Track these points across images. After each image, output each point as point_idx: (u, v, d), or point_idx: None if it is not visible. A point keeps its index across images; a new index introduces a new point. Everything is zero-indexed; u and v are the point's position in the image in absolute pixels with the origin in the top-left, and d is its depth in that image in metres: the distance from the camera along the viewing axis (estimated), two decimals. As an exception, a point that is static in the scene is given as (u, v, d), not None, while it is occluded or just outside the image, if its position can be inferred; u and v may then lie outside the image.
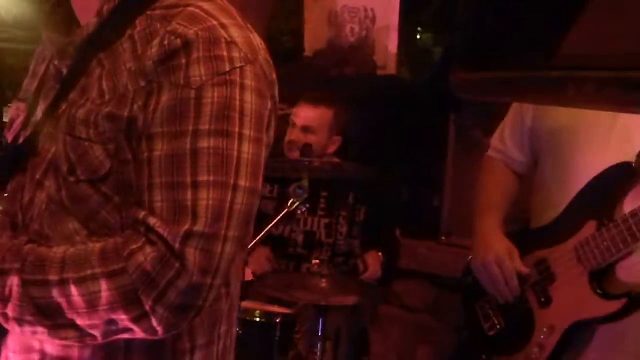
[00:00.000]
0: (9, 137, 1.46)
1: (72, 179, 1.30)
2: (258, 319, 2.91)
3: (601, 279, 2.22)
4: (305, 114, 3.37)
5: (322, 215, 3.36)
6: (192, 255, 1.21)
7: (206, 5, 1.29)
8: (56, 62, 1.41)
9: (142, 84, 1.26)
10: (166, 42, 1.25)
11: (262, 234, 2.75)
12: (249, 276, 3.08)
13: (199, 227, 1.21)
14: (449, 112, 4.36)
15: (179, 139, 1.23)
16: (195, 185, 1.22)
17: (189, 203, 1.22)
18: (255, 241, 2.73)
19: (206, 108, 1.23)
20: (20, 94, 1.52)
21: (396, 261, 3.53)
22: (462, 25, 0.83)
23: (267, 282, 2.97)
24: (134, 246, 1.22)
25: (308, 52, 4.87)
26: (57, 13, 1.44)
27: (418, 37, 5.53)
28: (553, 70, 0.73)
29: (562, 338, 2.28)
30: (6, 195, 1.43)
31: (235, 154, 1.24)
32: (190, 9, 1.28)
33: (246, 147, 1.25)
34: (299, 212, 2.89)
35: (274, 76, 1.35)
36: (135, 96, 1.26)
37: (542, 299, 2.36)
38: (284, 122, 4.42)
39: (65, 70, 1.37)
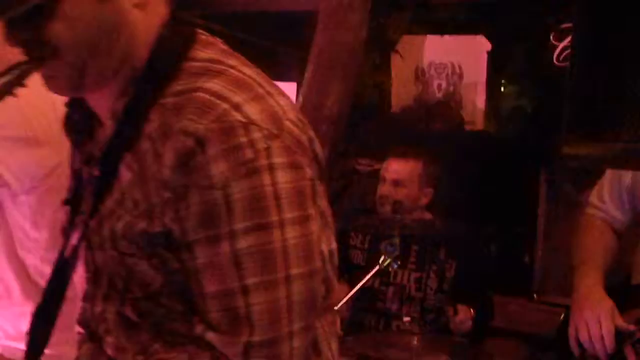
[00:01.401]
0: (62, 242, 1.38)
1: (129, 296, 1.24)
2: (348, 377, 2.89)
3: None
4: (395, 168, 3.39)
5: (412, 268, 3.35)
6: None
7: (215, 85, 1.17)
8: (86, 166, 1.34)
9: (167, 195, 1.16)
10: (179, 145, 1.14)
11: (354, 290, 2.75)
12: (338, 331, 3.07)
13: (257, 337, 1.15)
14: (539, 167, 4.31)
15: (216, 243, 1.15)
16: (245, 291, 1.15)
17: (242, 311, 1.15)
18: (347, 298, 2.74)
19: (237, 205, 1.13)
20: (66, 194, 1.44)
21: (488, 319, 3.48)
22: (572, 94, 0.82)
23: (358, 339, 2.96)
24: None
25: (395, 107, 4.91)
26: (72, 122, 1.37)
27: (502, 89, 5.51)
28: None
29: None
30: (81, 307, 1.39)
31: (279, 245, 1.15)
32: (199, 94, 1.16)
33: (290, 233, 1.16)
34: (390, 269, 2.88)
35: (310, 133, 1.25)
36: (163, 209, 1.17)
37: (642, 359, 2.31)
38: (372, 178, 4.45)
39: (97, 174, 1.28)
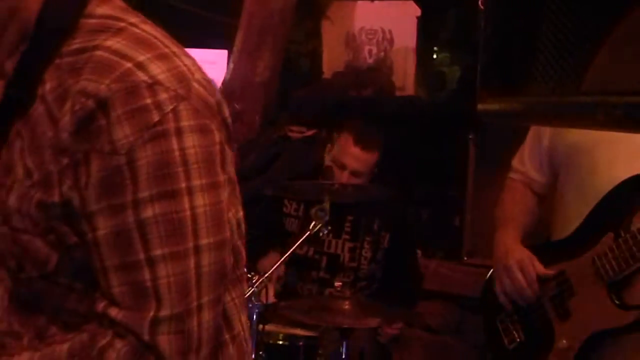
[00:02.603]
0: None
1: (22, 276, 1.14)
2: (281, 342, 2.90)
3: (619, 290, 2.25)
4: (357, 158, 3.30)
5: (347, 239, 3.36)
6: (165, 342, 1.08)
7: (116, 42, 1.09)
8: None
9: (65, 161, 1.07)
10: (77, 107, 1.05)
11: (286, 255, 2.75)
12: (271, 298, 3.07)
13: (165, 311, 1.08)
14: (468, 131, 4.36)
15: (120, 212, 1.06)
16: (151, 262, 1.07)
17: (149, 284, 1.07)
18: (279, 262, 2.74)
19: (142, 172, 1.05)
20: None
21: (419, 285, 3.53)
22: (485, 47, 0.81)
23: (290, 305, 2.97)
24: (103, 342, 1.09)
25: (326, 74, 4.90)
26: None
27: (434, 56, 5.54)
28: (582, 96, 0.72)
29: (581, 350, 2.30)
30: None
31: (188, 213, 1.08)
32: (98, 52, 1.08)
33: (200, 200, 1.08)
34: (321, 234, 2.88)
35: (217, 96, 1.16)
36: (61, 176, 1.08)
37: (561, 311, 2.39)
38: (304, 144, 4.44)
39: None
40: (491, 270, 2.64)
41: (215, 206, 1.11)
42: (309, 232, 2.79)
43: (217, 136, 1.12)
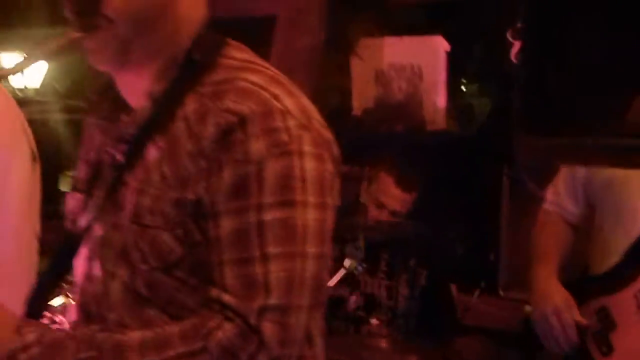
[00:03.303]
0: (68, 227, 1.47)
1: (144, 267, 1.31)
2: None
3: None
4: (396, 199, 3.30)
5: (382, 277, 3.35)
6: (269, 329, 1.22)
7: (255, 78, 1.30)
8: (109, 149, 1.41)
9: (203, 164, 1.26)
10: (222, 121, 1.26)
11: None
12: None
13: (272, 300, 1.23)
14: (501, 164, 4.34)
15: (243, 213, 1.24)
16: (264, 259, 1.23)
17: (260, 277, 1.23)
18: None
19: (268, 181, 1.24)
20: (74, 183, 1.52)
21: (455, 321, 3.51)
22: (521, 84, 0.82)
23: (330, 343, 2.96)
24: (212, 324, 1.23)
25: (356, 110, 4.91)
26: (104, 100, 1.46)
27: (463, 89, 5.54)
28: (624, 137, 0.72)
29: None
30: (75, 287, 1.45)
31: (300, 222, 1.25)
32: (241, 83, 1.29)
33: (311, 214, 1.26)
34: (356, 272, 2.88)
35: (330, 136, 1.35)
36: (198, 177, 1.27)
37: (604, 348, 2.35)
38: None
39: (120, 156, 1.38)
40: (529, 307, 2.61)
41: (322, 222, 1.28)
42: (344, 270, 2.78)
43: (329, 166, 1.31)
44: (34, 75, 6.00)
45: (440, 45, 4.77)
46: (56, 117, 6.27)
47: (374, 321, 2.89)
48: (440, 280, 3.41)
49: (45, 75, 6.27)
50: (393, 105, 4.77)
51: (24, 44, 5.52)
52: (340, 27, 4.88)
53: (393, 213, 3.24)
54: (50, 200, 2.09)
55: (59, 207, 2.04)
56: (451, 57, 4.82)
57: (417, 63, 4.74)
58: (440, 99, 4.73)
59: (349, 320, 3.35)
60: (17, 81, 5.81)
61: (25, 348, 1.28)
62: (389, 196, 3.25)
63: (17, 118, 1.98)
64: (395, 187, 3.24)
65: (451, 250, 4.26)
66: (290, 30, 4.63)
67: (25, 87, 6.07)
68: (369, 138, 4.73)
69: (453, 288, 3.64)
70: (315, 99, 1.37)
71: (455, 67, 4.92)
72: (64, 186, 6.50)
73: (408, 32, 4.89)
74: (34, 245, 2.00)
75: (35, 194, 2.01)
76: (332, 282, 2.81)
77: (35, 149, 2.01)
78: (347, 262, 2.80)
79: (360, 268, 2.86)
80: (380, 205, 3.24)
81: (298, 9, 4.62)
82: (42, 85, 6.16)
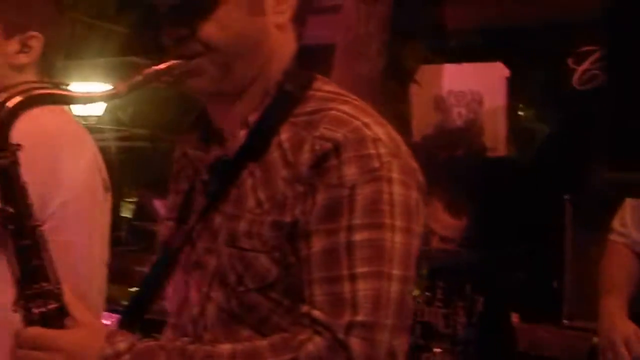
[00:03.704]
0: (161, 253, 1.51)
1: (240, 289, 1.35)
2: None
3: None
4: (445, 226, 3.29)
5: (439, 305, 3.33)
6: (356, 344, 1.25)
7: (346, 108, 1.35)
8: (203, 177, 1.46)
9: (300, 189, 1.31)
10: (317, 147, 1.31)
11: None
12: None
13: (359, 317, 1.26)
14: (563, 191, 4.28)
15: (334, 234, 1.29)
16: (352, 278, 1.27)
17: (348, 295, 1.27)
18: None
19: (358, 204, 1.28)
20: (167, 212, 1.57)
21: (515, 349, 3.46)
22: (604, 121, 0.81)
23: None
24: (302, 337, 1.27)
25: (416, 137, 4.91)
26: (195, 131, 1.51)
27: (521, 114, 5.50)
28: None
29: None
30: (173, 311, 1.49)
31: (388, 244, 1.29)
32: (333, 112, 1.34)
33: (398, 237, 1.29)
34: (417, 302, 2.86)
35: (415, 165, 1.39)
36: (295, 202, 1.32)
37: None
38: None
39: (213, 184, 1.43)
40: (596, 338, 2.59)
41: (408, 246, 1.31)
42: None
43: (415, 194, 1.35)
44: (98, 103, 6.13)
45: (500, 71, 4.75)
46: (118, 145, 6.38)
47: (436, 350, 2.87)
48: (500, 307, 3.37)
49: (109, 103, 6.39)
50: (453, 132, 4.76)
51: (95, 73, 5.65)
52: (399, 55, 4.89)
53: (443, 239, 3.22)
54: (112, 227, 2.13)
55: (121, 234, 2.08)
56: (511, 82, 4.80)
57: (477, 89, 4.73)
58: (501, 126, 4.71)
59: (409, 349, 3.33)
60: (79, 109, 5.91)
61: (117, 356, 1.31)
62: (438, 222, 3.24)
63: (92, 148, 2.02)
64: (444, 213, 3.23)
65: (512, 277, 4.20)
66: (349, 58, 4.66)
67: (88, 115, 6.20)
68: (430, 164, 4.70)
69: (515, 316, 3.59)
70: None
71: (515, 92, 4.89)
72: (126, 213, 6.61)
73: (467, 58, 4.88)
74: (104, 272, 2.03)
75: (106, 223, 2.04)
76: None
77: (107, 179, 2.05)
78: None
79: (422, 297, 2.84)
80: (430, 232, 3.23)
81: (357, 37, 4.65)
82: (105, 113, 6.28)
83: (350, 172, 1.29)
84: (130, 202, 6.40)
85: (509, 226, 4.42)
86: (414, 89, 4.95)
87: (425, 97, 4.91)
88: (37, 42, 1.96)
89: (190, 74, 1.37)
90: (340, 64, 4.62)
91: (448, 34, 5.05)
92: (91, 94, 1.38)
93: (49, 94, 1.35)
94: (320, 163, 1.30)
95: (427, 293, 2.83)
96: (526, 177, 4.51)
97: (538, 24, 5.03)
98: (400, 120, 5.10)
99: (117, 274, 2.10)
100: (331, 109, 1.35)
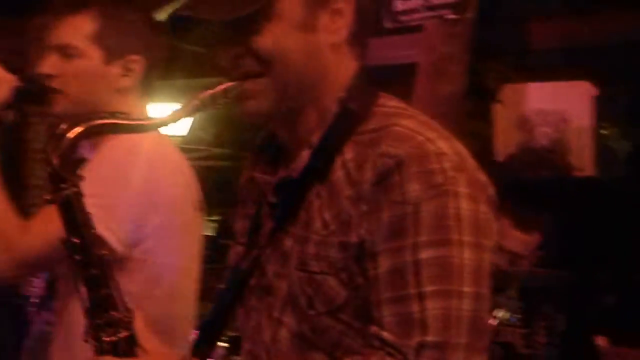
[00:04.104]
0: (231, 279, 1.51)
1: (311, 313, 1.33)
2: None
3: None
4: (516, 241, 3.26)
5: (518, 325, 3.27)
6: None
7: (409, 123, 1.32)
8: (271, 200, 1.45)
9: (364, 207, 1.29)
10: (379, 164, 1.28)
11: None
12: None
13: (430, 338, 1.23)
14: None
15: (400, 253, 1.25)
16: (421, 297, 1.24)
17: (417, 315, 1.24)
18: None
19: (424, 221, 1.25)
20: (234, 237, 1.56)
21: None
22: None
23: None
24: (374, 358, 1.25)
25: (499, 156, 4.86)
26: (264, 154, 1.49)
27: (610, 134, 5.40)
28: None
29: None
30: (246, 337, 1.48)
31: (456, 260, 1.25)
32: (396, 128, 1.31)
33: (467, 254, 1.25)
34: (508, 323, 2.82)
35: (484, 178, 1.35)
36: (359, 220, 1.29)
37: None
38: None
39: (281, 207, 1.41)
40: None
41: (478, 262, 1.27)
42: (498, 320, 2.74)
43: (484, 207, 1.30)
44: (181, 123, 6.25)
45: (586, 90, 4.68)
46: (202, 165, 6.49)
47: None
48: (584, 329, 3.30)
49: (192, 123, 6.51)
50: (538, 151, 4.70)
51: (173, 94, 5.76)
52: (481, 74, 4.86)
53: (513, 255, 3.18)
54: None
55: (206, 253, 2.11)
56: (598, 102, 4.72)
57: (563, 108, 4.66)
58: (588, 145, 4.63)
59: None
60: (164, 130, 6.00)
61: None
62: (507, 238, 3.20)
63: (186, 169, 2.06)
64: (514, 229, 3.19)
65: (601, 299, 4.12)
66: (431, 77, 4.64)
67: (173, 135, 6.32)
68: (514, 184, 4.65)
69: (604, 339, 3.51)
70: None
71: (602, 112, 4.81)
72: (208, 231, 6.71)
73: (551, 77, 4.82)
74: (196, 290, 2.06)
75: (198, 242, 2.07)
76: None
77: (198, 199, 2.08)
78: (498, 313, 2.75)
79: (513, 319, 2.80)
80: (499, 248, 3.18)
81: (440, 56, 4.63)
82: (189, 133, 6.39)
83: (413, 188, 1.25)
84: (213, 220, 6.49)
85: (599, 247, 4.33)
86: (497, 108, 4.91)
87: (509, 116, 4.86)
88: (138, 65, 2.02)
89: (245, 95, 1.36)
90: (422, 84, 4.61)
91: (531, 53, 4.99)
92: (148, 121, 1.38)
93: (107, 123, 1.34)
94: (382, 180, 1.27)
95: (518, 315, 2.79)
96: (615, 197, 4.41)
97: (623, 41, 4.95)
98: (483, 140, 5.06)
99: (204, 292, 2.13)
100: (394, 124, 1.32)
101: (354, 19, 1.38)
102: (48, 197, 1.32)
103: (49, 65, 1.98)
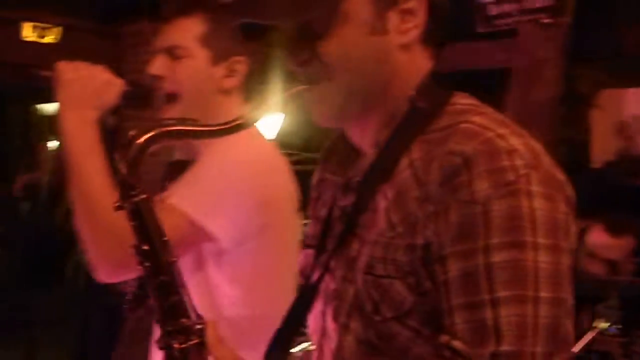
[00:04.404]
0: (301, 282, 1.48)
1: (377, 318, 1.28)
2: None
3: None
4: (607, 246, 3.18)
5: (616, 334, 3.19)
6: None
7: (479, 119, 1.25)
8: (340, 203, 1.41)
9: (431, 208, 1.22)
10: (446, 163, 1.21)
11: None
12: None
13: (504, 347, 1.16)
14: None
15: (470, 256, 1.19)
16: (494, 303, 1.17)
17: (490, 322, 1.17)
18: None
19: (495, 221, 1.17)
20: (306, 239, 1.54)
21: None
22: None
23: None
24: None
25: (595, 163, 4.75)
26: (334, 155, 1.47)
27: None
28: None
29: None
30: (313, 342, 1.46)
31: (531, 264, 1.17)
32: (464, 125, 1.25)
33: (542, 257, 1.18)
34: (608, 334, 2.75)
35: (562, 176, 1.27)
36: (426, 222, 1.23)
37: None
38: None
39: (349, 208, 1.37)
40: None
41: (555, 265, 1.19)
42: (597, 330, 2.67)
43: (562, 207, 1.22)
44: (269, 127, 6.30)
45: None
46: (292, 169, 6.51)
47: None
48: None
49: (281, 127, 6.57)
50: (637, 158, 4.57)
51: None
52: (577, 79, 4.76)
53: (610, 264, 3.09)
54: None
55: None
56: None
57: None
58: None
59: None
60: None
61: None
62: (599, 244, 3.12)
63: (287, 172, 2.09)
64: (604, 234, 3.10)
65: None
66: (525, 82, 4.57)
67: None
68: (611, 191, 4.54)
69: None
70: (550, 152, 1.32)
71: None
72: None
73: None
74: (292, 290, 2.08)
75: (297, 243, 2.09)
76: (580, 345, 2.70)
77: (298, 201, 2.09)
78: (598, 323, 2.68)
79: (613, 329, 2.73)
80: (590, 254, 3.11)
81: (534, 61, 4.56)
82: (278, 137, 6.45)
83: (482, 187, 1.18)
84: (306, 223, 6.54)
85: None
86: (594, 114, 4.80)
87: (606, 122, 4.74)
88: (242, 66, 2.05)
89: (315, 99, 1.32)
90: (515, 89, 4.54)
91: (629, 58, 4.86)
92: (218, 127, 1.35)
93: (175, 130, 1.33)
94: (450, 180, 1.20)
95: (619, 326, 2.71)
96: None
97: None
98: (579, 146, 4.96)
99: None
100: (463, 121, 1.25)
101: (427, 18, 1.33)
102: (117, 203, 1.31)
103: (158, 66, 2.03)
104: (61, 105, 1.94)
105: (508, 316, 1.16)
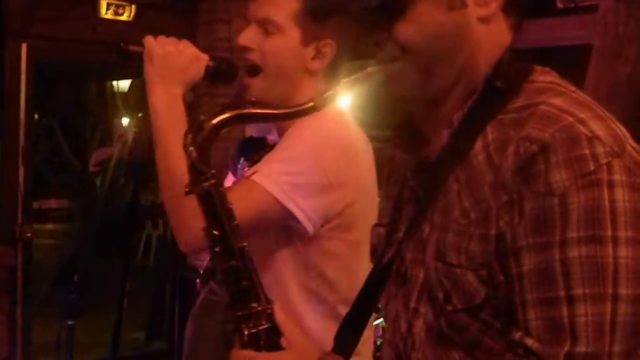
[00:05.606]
0: (374, 261, 1.47)
1: (449, 308, 1.25)
2: None
3: None
4: None
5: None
6: None
7: (558, 101, 1.20)
8: (411, 183, 1.38)
9: (504, 198, 1.18)
10: (522, 150, 1.17)
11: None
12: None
13: (580, 348, 1.12)
14: None
15: (546, 250, 1.14)
16: (570, 300, 1.13)
17: (566, 320, 1.13)
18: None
19: (572, 214, 1.12)
20: (379, 218, 1.55)
21: None
22: None
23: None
24: None
25: (680, 144, 4.60)
26: (404, 133, 1.42)
27: None
28: None
29: None
30: (387, 328, 1.44)
31: (611, 260, 1.12)
32: (542, 107, 1.19)
33: (623, 251, 1.12)
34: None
35: None
36: (499, 212, 1.18)
37: None
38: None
39: (420, 190, 1.34)
40: None
41: (637, 260, 1.14)
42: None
43: None
44: (346, 107, 6.30)
45: None
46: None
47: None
48: None
49: (350, 105, 6.53)
50: None
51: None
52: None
53: None
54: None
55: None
56: None
57: None
58: None
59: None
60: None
61: None
62: None
63: (369, 150, 2.09)
64: None
65: None
66: (607, 59, 4.44)
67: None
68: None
69: None
70: (632, 131, 1.25)
71: None
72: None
73: None
74: None
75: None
76: None
77: (376, 179, 2.08)
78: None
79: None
80: None
81: (616, 37, 4.43)
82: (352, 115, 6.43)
83: (559, 177, 1.13)
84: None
85: None
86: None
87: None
88: (330, 49, 2.03)
89: (389, 79, 1.28)
90: (597, 66, 4.42)
91: None
92: (289, 109, 1.35)
93: (246, 113, 1.31)
94: (525, 168, 1.15)
95: None
96: None
97: None
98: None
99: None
100: (541, 103, 1.20)
101: None
102: (187, 188, 1.31)
103: (249, 37, 2.02)
104: (149, 80, 1.94)
105: (585, 315, 1.12)
